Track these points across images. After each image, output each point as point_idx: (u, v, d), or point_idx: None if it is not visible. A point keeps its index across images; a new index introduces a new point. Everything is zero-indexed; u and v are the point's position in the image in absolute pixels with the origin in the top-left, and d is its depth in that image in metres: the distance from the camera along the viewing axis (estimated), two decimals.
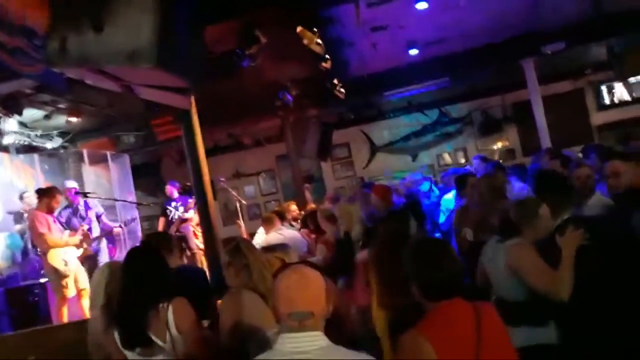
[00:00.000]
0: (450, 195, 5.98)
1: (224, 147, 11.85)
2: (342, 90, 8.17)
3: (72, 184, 7.27)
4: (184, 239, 8.31)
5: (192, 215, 8.41)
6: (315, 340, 1.69)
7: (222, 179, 8.95)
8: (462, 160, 11.75)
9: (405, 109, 11.65)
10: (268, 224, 5.79)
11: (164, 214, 8.72)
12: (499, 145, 11.93)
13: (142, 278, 2.73)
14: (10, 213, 7.42)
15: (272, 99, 8.25)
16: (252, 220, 10.87)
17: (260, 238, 6.08)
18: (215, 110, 7.43)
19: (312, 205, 7.99)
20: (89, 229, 6.71)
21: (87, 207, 7.20)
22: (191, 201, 8.37)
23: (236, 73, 6.50)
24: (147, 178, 11.25)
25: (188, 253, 8.32)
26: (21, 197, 7.41)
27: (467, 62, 9.18)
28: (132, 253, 2.96)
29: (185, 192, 8.87)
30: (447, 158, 12.16)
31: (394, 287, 2.76)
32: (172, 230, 8.39)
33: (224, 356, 2.83)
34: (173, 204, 8.69)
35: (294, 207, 7.26)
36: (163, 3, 3.35)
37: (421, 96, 10.97)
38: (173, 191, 8.74)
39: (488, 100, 11.67)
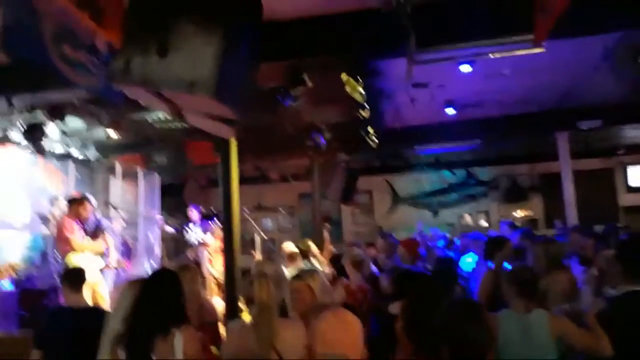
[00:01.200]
0: (470, 259, 5.94)
1: (248, 178, 11.98)
2: (374, 139, 8.27)
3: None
4: (197, 264, 8.35)
5: (210, 240, 8.46)
6: None
7: (247, 210, 9.04)
8: (484, 224, 11.70)
9: (432, 165, 11.72)
10: (291, 260, 5.80)
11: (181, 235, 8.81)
12: (522, 213, 11.87)
13: (157, 302, 2.76)
14: (37, 215, 7.55)
15: (305, 139, 8.38)
16: (266, 254, 10.89)
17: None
18: (247, 141, 7.59)
19: (330, 247, 8.00)
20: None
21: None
22: (212, 227, 8.46)
23: (276, 110, 6.66)
24: (171, 198, 11.39)
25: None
26: (52, 202, 7.56)
27: (501, 128, 9.26)
28: (155, 277, 3.00)
29: (206, 217, 8.97)
30: (468, 219, 12.11)
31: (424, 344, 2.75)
32: (190, 254, 8.44)
33: None
34: (191, 226, 8.76)
35: (313, 245, 7.27)
36: (227, 37, 3.50)
37: (450, 155, 11.05)
38: (194, 214, 8.82)
39: (516, 167, 11.70)
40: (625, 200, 11.36)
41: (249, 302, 2.97)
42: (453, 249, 7.48)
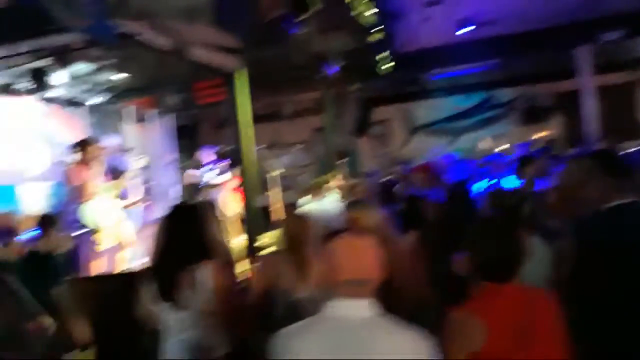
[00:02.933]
0: (484, 182, 5.87)
1: (261, 117, 11.82)
2: (388, 65, 8.04)
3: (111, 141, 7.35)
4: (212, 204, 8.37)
5: (224, 179, 8.46)
6: (364, 308, 1.68)
7: (261, 147, 8.96)
8: (503, 147, 11.50)
9: (449, 89, 11.41)
10: (312, 192, 5.80)
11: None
12: (541, 134, 11.61)
13: (182, 236, 2.76)
14: (56, 164, 7.61)
15: (315, 70, 8.17)
16: (284, 192, 10.92)
17: (308, 205, 6.10)
18: (257, 79, 7.43)
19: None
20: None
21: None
22: (224, 164, 8.43)
23: (283, 41, 6.45)
24: (185, 141, 11.37)
25: None
26: (69, 149, 7.58)
27: (519, 46, 8.90)
28: (179, 210, 2.99)
29: (220, 157, 8.93)
30: (487, 143, 11.91)
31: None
32: (203, 194, 8.44)
33: (252, 316, 2.89)
34: (203, 168, 8.73)
35: (338, 176, 7.31)
36: None
37: (466, 78, 10.74)
38: (206, 156, 8.77)
39: (535, 87, 11.33)
40: None
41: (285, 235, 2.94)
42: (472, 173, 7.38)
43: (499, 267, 1.92)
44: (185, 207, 3.16)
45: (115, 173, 6.78)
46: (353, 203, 3.25)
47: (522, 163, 4.59)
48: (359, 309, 1.66)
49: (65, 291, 3.67)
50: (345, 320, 1.65)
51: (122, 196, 6.53)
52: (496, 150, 11.12)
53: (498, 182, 5.34)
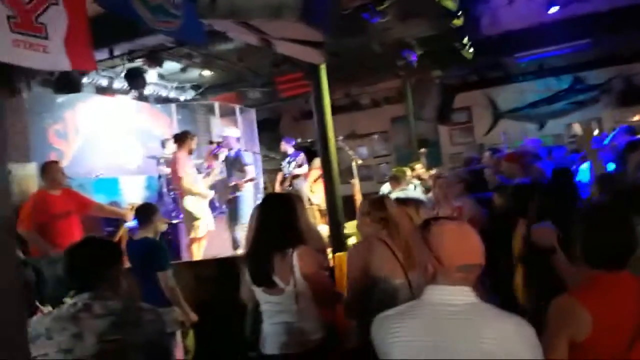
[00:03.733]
0: (585, 166, 5.55)
1: (340, 107, 11.87)
2: (470, 50, 7.79)
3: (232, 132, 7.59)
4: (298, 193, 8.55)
5: (305, 170, 8.62)
6: (464, 295, 1.66)
7: (340, 138, 9.03)
8: (596, 132, 10.82)
9: (536, 73, 10.87)
10: (395, 181, 5.78)
11: (279, 169, 9.02)
12: (639, 117, 10.81)
13: (275, 223, 2.87)
14: (149, 157, 8.09)
15: (395, 58, 8.07)
16: (362, 181, 10.92)
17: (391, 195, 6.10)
18: (336, 69, 7.45)
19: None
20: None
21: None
22: (302, 156, 8.57)
23: (364, 31, 6.44)
24: (268, 133, 11.67)
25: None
26: (163, 145, 8.04)
27: (611, 23, 8.30)
28: (271, 199, 3.12)
29: (299, 148, 9.10)
30: (578, 129, 11.24)
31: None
32: (285, 185, 8.65)
33: (350, 303, 2.94)
34: (287, 159, 8.93)
35: (419, 166, 7.23)
36: None
37: (555, 59, 10.15)
38: (287, 147, 8.96)
39: (631, 66, 10.54)
40: None
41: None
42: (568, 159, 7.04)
43: (612, 255, 1.84)
44: (277, 195, 3.29)
45: (237, 164, 7.09)
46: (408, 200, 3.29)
47: (627, 148, 4.23)
48: (458, 295, 1.65)
49: (170, 276, 3.92)
50: (445, 305, 1.65)
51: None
52: (593, 134, 10.50)
53: (604, 168, 5.05)
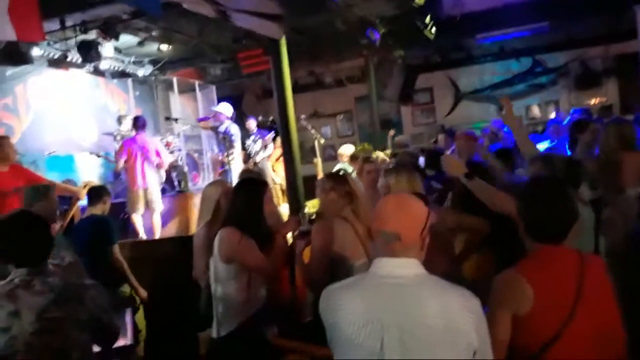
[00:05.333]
0: (543, 145, 5.67)
1: (303, 86, 11.78)
2: (433, 30, 7.80)
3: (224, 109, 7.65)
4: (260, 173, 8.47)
5: (270, 150, 8.54)
6: (411, 267, 1.66)
7: (303, 117, 8.96)
8: (552, 115, 11.08)
9: (497, 55, 11.01)
10: (353, 161, 5.76)
11: (244, 147, 8.90)
12: (595, 100, 11.10)
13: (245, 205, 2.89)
14: (105, 134, 7.86)
15: (358, 36, 8.01)
16: (326, 162, 10.90)
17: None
18: (298, 47, 7.34)
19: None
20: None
21: None
22: (269, 136, 8.48)
23: (325, 7, 6.35)
24: None
25: None
26: (119, 121, 7.79)
27: (571, 7, 8.44)
28: (243, 183, 3.15)
29: (263, 126, 8.99)
30: (536, 111, 11.50)
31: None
32: (250, 164, 8.56)
33: (311, 279, 2.93)
34: (252, 137, 8.81)
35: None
36: None
37: (515, 42, 10.29)
38: (252, 125, 8.84)
39: (588, 50, 10.78)
40: None
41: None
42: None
43: (551, 227, 1.87)
44: (251, 180, 3.26)
45: (226, 141, 7.26)
46: (391, 170, 3.22)
47: (576, 128, 4.31)
48: (404, 268, 1.65)
49: (118, 250, 3.90)
50: (392, 277, 1.64)
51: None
52: (546, 117, 10.75)
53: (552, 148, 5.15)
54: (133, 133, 6.71)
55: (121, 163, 6.56)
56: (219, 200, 3.32)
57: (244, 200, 2.89)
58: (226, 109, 7.60)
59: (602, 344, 1.80)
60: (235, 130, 7.52)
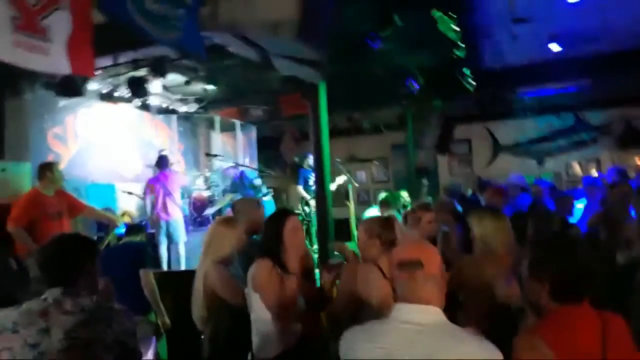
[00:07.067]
0: (581, 205, 5.59)
1: (341, 130, 11.96)
2: (472, 82, 7.87)
3: None
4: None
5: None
6: (431, 314, 1.66)
7: (339, 160, 9.06)
8: (594, 172, 10.83)
9: (537, 109, 10.95)
10: (385, 206, 5.77)
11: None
12: (638, 159, 10.83)
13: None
14: (148, 167, 8.12)
15: (397, 85, 8.15)
16: (359, 206, 10.93)
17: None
18: (338, 93, 7.51)
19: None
20: None
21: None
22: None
23: (365, 55, 6.51)
24: (268, 151, 11.73)
25: None
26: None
27: (613, 65, 8.40)
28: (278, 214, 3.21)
29: (297, 167, 9.12)
30: (577, 168, 11.27)
31: None
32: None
33: (335, 322, 2.91)
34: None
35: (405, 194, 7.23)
36: None
37: (556, 98, 10.24)
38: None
39: (631, 109, 10.61)
40: None
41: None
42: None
43: (574, 286, 1.83)
44: (284, 212, 3.28)
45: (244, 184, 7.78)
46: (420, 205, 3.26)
47: (610, 190, 4.26)
48: (424, 314, 1.65)
49: (151, 275, 4.01)
50: (412, 324, 1.64)
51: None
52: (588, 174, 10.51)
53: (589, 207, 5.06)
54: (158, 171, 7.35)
55: (148, 200, 7.19)
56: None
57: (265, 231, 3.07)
58: None
59: None
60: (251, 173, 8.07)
